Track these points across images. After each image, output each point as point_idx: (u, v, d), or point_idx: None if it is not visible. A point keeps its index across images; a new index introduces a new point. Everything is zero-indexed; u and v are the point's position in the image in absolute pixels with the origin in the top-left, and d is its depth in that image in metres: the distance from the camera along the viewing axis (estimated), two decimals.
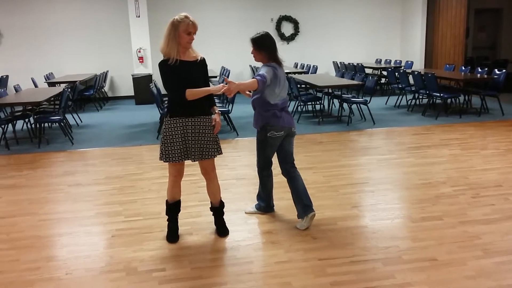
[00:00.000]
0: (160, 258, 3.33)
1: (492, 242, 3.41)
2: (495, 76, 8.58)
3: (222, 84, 3.34)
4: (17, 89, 8.38)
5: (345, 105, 8.68)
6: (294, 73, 10.36)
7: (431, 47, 12.79)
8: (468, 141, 6.56)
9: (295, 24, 12.93)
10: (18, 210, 4.36)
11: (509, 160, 5.53)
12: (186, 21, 3.26)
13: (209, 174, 3.57)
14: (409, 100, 9.79)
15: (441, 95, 8.39)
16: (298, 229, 3.72)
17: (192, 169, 4.79)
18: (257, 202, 4.10)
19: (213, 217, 3.75)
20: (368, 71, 12.01)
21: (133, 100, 11.64)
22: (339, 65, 12.23)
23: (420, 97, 9.59)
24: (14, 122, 7.54)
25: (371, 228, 3.71)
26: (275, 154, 3.81)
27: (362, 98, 8.35)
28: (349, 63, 11.85)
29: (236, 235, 3.66)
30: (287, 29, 12.96)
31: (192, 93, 3.30)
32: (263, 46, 3.60)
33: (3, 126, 7.22)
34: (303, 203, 3.72)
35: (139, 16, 10.98)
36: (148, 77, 11.02)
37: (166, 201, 3.62)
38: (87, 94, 10.44)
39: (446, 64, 11.02)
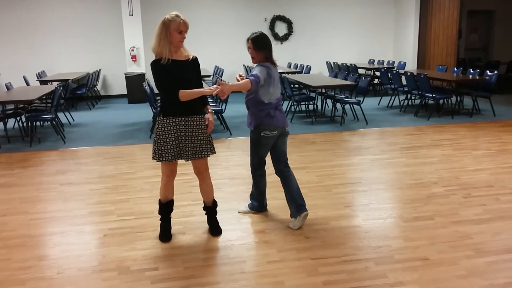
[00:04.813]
0: (152, 257, 3.32)
1: (483, 242, 3.43)
2: (487, 78, 8.65)
3: (215, 86, 3.34)
4: (8, 87, 8.32)
5: (338, 105, 8.70)
6: (288, 73, 10.37)
7: (424, 48, 12.86)
8: (460, 141, 6.60)
9: (289, 24, 12.94)
10: (9, 209, 4.33)
11: (500, 160, 5.58)
12: (177, 20, 3.25)
13: (202, 174, 3.56)
14: (401, 100, 9.84)
15: (434, 96, 8.44)
16: (291, 228, 3.72)
17: (185, 168, 4.78)
18: (250, 202, 4.11)
19: (206, 216, 3.74)
20: (361, 71, 12.06)
21: (126, 99, 11.59)
22: (332, 65, 12.26)
23: (413, 97, 9.64)
24: (6, 120, 7.48)
25: (364, 228, 3.73)
26: (269, 153, 3.82)
27: (355, 98, 8.38)
28: (342, 64, 11.89)
29: (229, 234, 3.66)
30: (281, 29, 12.98)
31: (185, 94, 3.30)
32: (264, 46, 3.60)
33: None
34: (296, 202, 3.73)
35: (132, 15, 10.94)
36: (141, 76, 10.99)
37: (159, 200, 3.61)
38: (80, 92, 10.37)
39: (439, 65, 11.08)
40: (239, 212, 4.10)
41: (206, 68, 11.55)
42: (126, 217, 4.07)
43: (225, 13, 12.56)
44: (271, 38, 12.66)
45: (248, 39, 3.61)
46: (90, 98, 11.29)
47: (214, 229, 3.68)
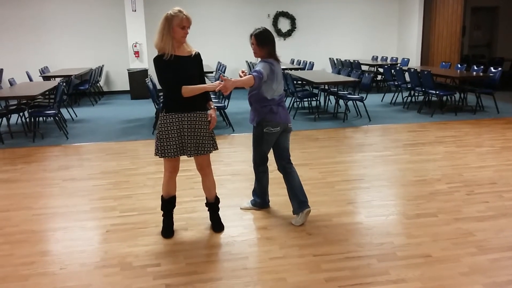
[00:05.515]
0: (155, 253, 3.32)
1: (486, 239, 3.42)
2: (491, 74, 8.61)
3: (218, 82, 3.33)
4: (11, 82, 8.33)
5: (341, 101, 8.68)
6: (291, 69, 10.34)
7: (428, 44, 12.81)
8: (463, 138, 6.58)
9: (292, 20, 12.91)
10: (12, 205, 4.34)
11: (503, 157, 5.55)
12: (180, 16, 3.24)
13: (205, 170, 3.56)
14: (405, 97, 9.81)
15: (437, 92, 8.40)
16: (293, 225, 3.72)
17: (187, 164, 4.77)
18: (252, 198, 4.10)
19: (208, 212, 3.75)
20: (364, 68, 12.01)
21: (128, 95, 11.60)
22: (335, 62, 12.23)
23: (416, 94, 9.60)
24: (9, 116, 7.49)
25: (366, 225, 3.72)
26: (271, 150, 3.81)
27: (358, 95, 8.36)
28: (345, 60, 11.86)
29: (231, 230, 3.66)
30: (284, 25, 12.94)
31: (188, 90, 3.29)
32: (267, 42, 3.58)
33: None
34: (298, 199, 3.72)
35: (135, 10, 10.93)
36: (144, 72, 10.98)
37: (161, 196, 3.61)
38: (82, 88, 10.39)
39: (442, 62, 11.04)
40: (241, 209, 4.09)
41: (209, 64, 11.53)
42: (129, 213, 4.07)
43: (228, 9, 12.53)
44: (274, 34, 12.56)
45: (251, 35, 3.59)
46: (93, 94, 11.29)
47: (217, 225, 3.68)
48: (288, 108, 8.50)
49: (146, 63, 11.20)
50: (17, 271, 3.10)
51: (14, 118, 8.16)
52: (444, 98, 9.09)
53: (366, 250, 3.29)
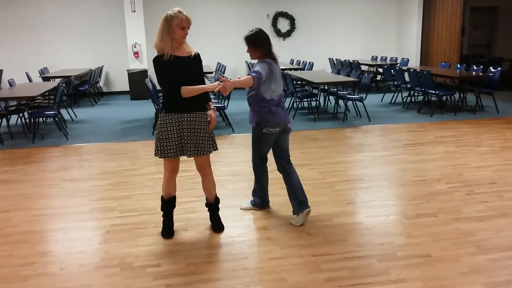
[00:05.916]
0: (155, 253, 3.32)
1: (486, 239, 3.42)
2: (490, 74, 8.61)
3: (217, 82, 3.33)
4: (11, 83, 8.33)
5: (340, 102, 8.68)
6: (290, 69, 10.35)
7: (427, 44, 12.81)
8: (463, 138, 6.58)
9: (291, 20, 12.90)
10: (12, 205, 4.34)
11: (503, 157, 5.56)
12: (180, 16, 3.24)
13: (204, 170, 3.56)
14: (404, 97, 9.81)
15: (437, 92, 8.41)
16: (293, 225, 3.72)
17: (187, 165, 4.77)
18: (252, 198, 4.10)
19: (208, 213, 3.75)
20: (364, 68, 12.02)
21: (128, 96, 11.60)
22: (335, 62, 12.23)
23: (416, 94, 9.61)
24: (8, 116, 7.49)
25: (366, 225, 3.72)
26: (271, 150, 3.81)
27: (357, 95, 8.36)
28: (345, 60, 11.86)
29: (231, 231, 3.66)
30: (283, 25, 12.94)
31: (187, 91, 3.29)
32: (259, 44, 3.58)
33: None
34: (298, 199, 3.72)
35: (134, 11, 10.93)
36: (144, 73, 10.98)
37: (161, 196, 3.61)
38: (82, 89, 10.39)
39: (442, 62, 11.04)
40: (241, 209, 4.10)
41: (208, 64, 11.54)
42: (129, 213, 4.07)
43: (228, 9, 12.53)
44: (274, 35, 12.72)
45: (244, 38, 3.60)
46: (92, 94, 11.30)
47: (217, 225, 3.68)
48: (287, 108, 8.50)
49: (145, 63, 11.20)
50: (17, 272, 3.10)
51: (13, 119, 8.16)
52: (444, 98, 9.09)
53: (366, 250, 3.29)
